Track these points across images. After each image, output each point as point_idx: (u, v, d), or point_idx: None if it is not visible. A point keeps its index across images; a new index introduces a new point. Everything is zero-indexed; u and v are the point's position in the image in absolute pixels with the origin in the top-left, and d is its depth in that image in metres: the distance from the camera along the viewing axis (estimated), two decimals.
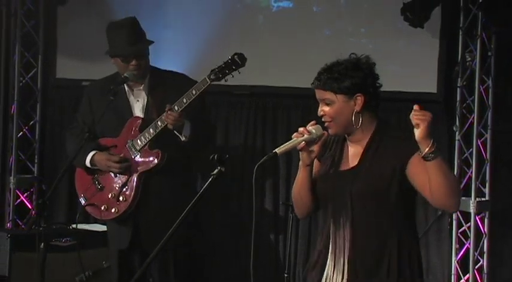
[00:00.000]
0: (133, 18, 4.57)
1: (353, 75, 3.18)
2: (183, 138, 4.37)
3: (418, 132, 3.01)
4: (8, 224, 6.44)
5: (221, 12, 6.36)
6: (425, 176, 3.09)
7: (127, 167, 4.45)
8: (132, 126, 4.48)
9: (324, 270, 3.23)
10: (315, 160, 3.29)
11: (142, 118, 4.49)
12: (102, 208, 4.53)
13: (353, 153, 3.25)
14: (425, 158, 3.03)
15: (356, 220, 3.18)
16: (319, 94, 3.23)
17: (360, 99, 3.18)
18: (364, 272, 3.17)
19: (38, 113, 6.59)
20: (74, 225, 5.21)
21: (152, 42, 4.56)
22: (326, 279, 3.22)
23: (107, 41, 4.55)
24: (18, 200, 6.54)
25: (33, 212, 6.43)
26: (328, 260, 3.22)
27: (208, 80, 4.26)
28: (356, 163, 3.21)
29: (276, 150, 3.16)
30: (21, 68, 6.51)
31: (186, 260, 4.54)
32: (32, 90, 6.57)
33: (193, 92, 4.28)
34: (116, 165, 4.44)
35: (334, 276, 3.20)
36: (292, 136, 3.23)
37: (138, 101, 4.53)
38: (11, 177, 6.48)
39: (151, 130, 4.40)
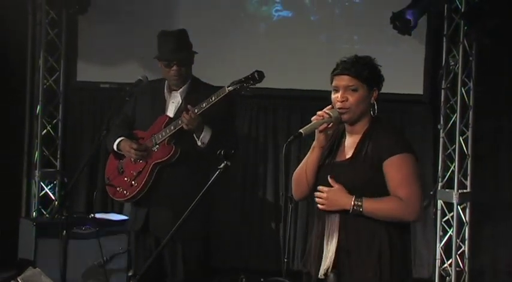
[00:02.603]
0: (183, 30, 4.59)
1: (375, 70, 3.20)
2: (199, 143, 4.37)
3: None
4: (33, 213, 6.46)
5: (226, 21, 6.38)
6: (389, 181, 3.14)
7: (143, 155, 4.48)
8: (159, 123, 4.52)
9: (321, 252, 3.20)
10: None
11: (170, 117, 4.51)
12: (117, 189, 4.58)
13: (349, 144, 3.23)
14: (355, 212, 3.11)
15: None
16: (344, 81, 3.14)
17: (375, 93, 3.19)
18: (355, 253, 3.15)
19: (60, 112, 6.62)
20: (92, 215, 5.25)
21: (195, 52, 4.56)
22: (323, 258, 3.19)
23: (157, 46, 4.55)
24: (43, 192, 6.58)
25: (56, 203, 6.45)
26: (324, 242, 3.19)
27: (226, 89, 4.26)
28: (350, 155, 3.19)
29: (301, 130, 3.10)
30: (45, 72, 6.54)
31: (194, 249, 4.52)
32: (55, 92, 6.60)
33: (213, 98, 4.28)
34: (133, 151, 4.48)
35: (329, 255, 3.16)
36: (312, 119, 3.16)
37: (172, 102, 4.56)
38: (36, 171, 6.53)
39: (172, 127, 4.42)
